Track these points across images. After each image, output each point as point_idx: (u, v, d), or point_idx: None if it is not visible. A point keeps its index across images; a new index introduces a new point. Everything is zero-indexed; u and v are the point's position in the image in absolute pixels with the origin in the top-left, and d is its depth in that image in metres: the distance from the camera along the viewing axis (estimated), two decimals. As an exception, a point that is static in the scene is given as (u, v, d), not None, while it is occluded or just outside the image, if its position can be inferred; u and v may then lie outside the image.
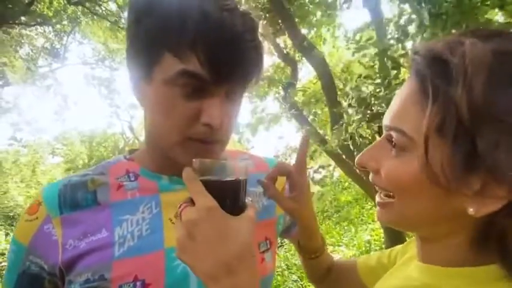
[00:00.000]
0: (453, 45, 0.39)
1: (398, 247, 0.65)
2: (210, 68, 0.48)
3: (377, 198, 0.49)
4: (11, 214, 8.71)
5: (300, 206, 0.64)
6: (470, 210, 0.38)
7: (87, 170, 0.64)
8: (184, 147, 0.54)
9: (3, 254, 7.55)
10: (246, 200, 0.48)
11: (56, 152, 13.35)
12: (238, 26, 0.49)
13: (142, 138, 18.87)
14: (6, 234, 8.08)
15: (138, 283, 0.52)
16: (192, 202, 0.44)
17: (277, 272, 6.60)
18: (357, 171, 4.43)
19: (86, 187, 0.59)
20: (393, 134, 0.44)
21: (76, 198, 0.57)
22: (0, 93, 11.14)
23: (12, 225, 8.53)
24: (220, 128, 0.52)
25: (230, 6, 0.50)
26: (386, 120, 0.46)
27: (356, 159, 0.50)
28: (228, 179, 0.45)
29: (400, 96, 0.45)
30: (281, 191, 0.67)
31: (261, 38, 0.55)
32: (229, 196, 0.45)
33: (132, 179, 0.61)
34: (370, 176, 0.49)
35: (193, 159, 0.46)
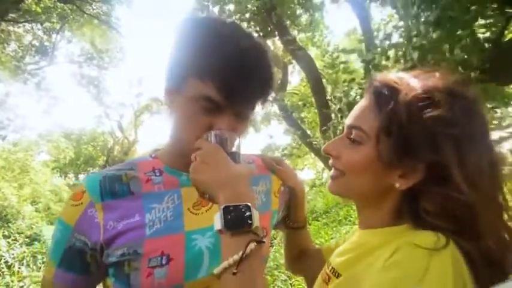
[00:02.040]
0: (399, 79, 0.60)
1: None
2: (223, 95, 0.62)
3: (331, 173, 0.69)
4: (4, 214, 8.53)
5: (293, 176, 0.88)
6: (397, 185, 0.57)
7: (117, 166, 0.76)
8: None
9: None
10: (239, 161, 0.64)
11: (43, 150, 13.17)
12: (252, 63, 0.63)
13: (131, 137, 18.62)
14: (4, 236, 7.94)
15: (164, 257, 0.65)
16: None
17: (266, 271, 6.65)
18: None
19: (121, 180, 0.71)
20: (353, 131, 0.62)
21: (114, 189, 0.70)
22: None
23: (9, 224, 8.35)
24: (228, 139, 0.65)
25: (247, 46, 0.63)
26: (349, 121, 0.65)
27: (323, 147, 0.69)
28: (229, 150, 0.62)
29: (360, 105, 0.64)
30: (278, 190, 0.86)
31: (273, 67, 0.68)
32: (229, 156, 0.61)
33: (158, 174, 0.73)
34: (330, 161, 0.68)
35: (206, 133, 0.63)
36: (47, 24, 10.38)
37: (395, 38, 3.16)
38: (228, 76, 0.61)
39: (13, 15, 8.20)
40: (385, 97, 0.58)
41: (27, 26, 10.64)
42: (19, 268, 7.48)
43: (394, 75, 0.62)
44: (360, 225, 0.69)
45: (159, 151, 0.80)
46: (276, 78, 0.71)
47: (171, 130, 0.73)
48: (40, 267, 7.72)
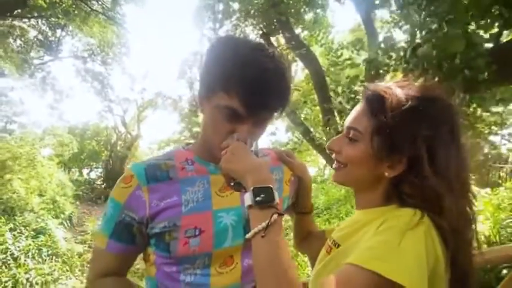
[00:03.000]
0: (387, 88, 0.74)
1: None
2: (245, 107, 0.75)
3: (334, 166, 0.85)
4: (13, 206, 8.63)
5: (301, 167, 1.05)
6: (386, 174, 0.73)
7: (157, 156, 0.93)
8: (221, 151, 0.79)
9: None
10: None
11: (47, 145, 13.23)
12: (272, 82, 0.75)
13: (134, 132, 18.62)
14: (11, 229, 8.02)
15: (196, 230, 0.81)
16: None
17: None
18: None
19: (161, 168, 0.86)
20: (351, 131, 0.78)
21: (156, 175, 0.84)
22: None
23: (15, 217, 8.43)
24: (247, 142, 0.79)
25: (269, 67, 0.74)
26: (347, 123, 0.80)
27: (327, 144, 0.85)
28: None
29: (356, 109, 0.80)
30: (289, 179, 1.01)
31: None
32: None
33: (190, 163, 0.89)
34: (334, 155, 0.84)
35: (230, 135, 0.77)
36: (51, 19, 10.42)
37: (399, 37, 3.19)
38: (250, 93, 0.73)
39: (19, 10, 8.26)
40: (376, 104, 0.73)
41: (33, 21, 10.71)
42: (25, 260, 7.61)
43: (383, 85, 0.77)
44: (357, 206, 0.85)
45: (190, 144, 0.98)
46: (292, 92, 0.84)
47: (202, 129, 0.89)
48: (45, 260, 7.84)
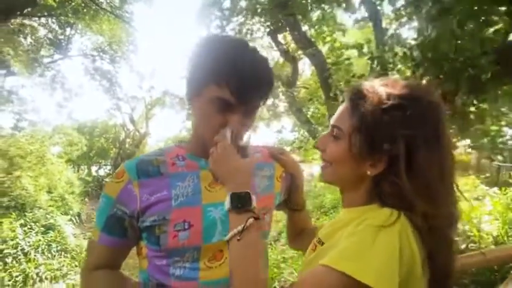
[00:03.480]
0: (370, 87, 0.74)
1: None
2: (235, 95, 0.78)
3: (320, 165, 0.85)
4: (23, 202, 8.77)
5: (293, 164, 1.06)
6: (368, 172, 0.73)
7: (149, 153, 0.95)
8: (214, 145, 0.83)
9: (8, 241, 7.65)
10: (249, 156, 0.83)
11: (57, 143, 13.41)
12: (258, 72, 0.80)
13: (142, 130, 18.77)
14: (21, 225, 8.15)
15: (185, 223, 0.83)
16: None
17: (273, 264, 6.75)
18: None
19: (153, 163, 0.88)
20: (334, 129, 0.78)
21: (148, 170, 0.87)
22: (2, 82, 11.21)
23: (25, 213, 8.57)
24: (239, 133, 0.82)
25: (254, 58, 0.81)
26: (332, 121, 0.81)
27: (314, 142, 0.87)
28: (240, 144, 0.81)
29: (340, 108, 0.80)
30: (280, 175, 1.03)
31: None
32: (238, 150, 0.80)
33: (181, 159, 0.91)
34: (320, 154, 0.84)
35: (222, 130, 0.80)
36: (61, 17, 10.53)
37: (406, 35, 3.16)
38: (239, 82, 0.77)
39: (29, 9, 8.36)
40: (358, 102, 0.73)
41: (43, 19, 10.84)
42: (35, 256, 7.74)
43: (367, 83, 0.77)
44: (343, 204, 0.85)
45: (183, 142, 1.00)
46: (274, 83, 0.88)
47: (193, 126, 0.93)
48: (54, 255, 7.97)
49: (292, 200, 1.09)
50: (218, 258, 0.84)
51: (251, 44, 0.85)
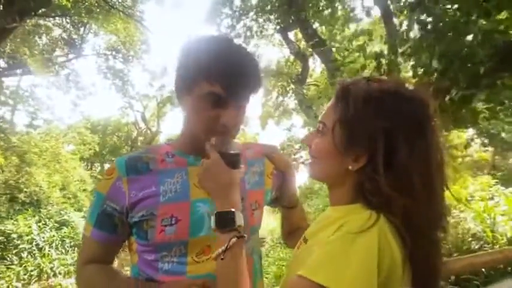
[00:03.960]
0: (354, 82, 0.74)
1: None
2: (226, 90, 0.80)
3: (308, 161, 0.84)
4: (37, 199, 8.99)
5: (283, 162, 1.06)
6: (349, 167, 0.71)
7: (140, 150, 0.97)
8: (208, 137, 0.85)
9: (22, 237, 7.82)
10: (241, 166, 0.83)
11: (71, 141, 13.66)
12: (247, 67, 0.82)
13: (154, 128, 18.93)
14: (36, 221, 8.35)
15: (173, 218, 0.84)
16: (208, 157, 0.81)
17: (282, 264, 6.75)
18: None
19: (142, 160, 0.90)
20: (320, 125, 0.78)
21: (137, 167, 0.88)
22: (18, 82, 11.47)
23: (40, 209, 8.79)
24: (234, 125, 0.85)
25: (243, 54, 0.83)
26: (320, 118, 0.81)
27: (301, 139, 0.89)
28: (231, 152, 0.81)
29: (328, 104, 0.80)
30: (271, 172, 1.04)
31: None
32: (229, 160, 0.80)
33: (170, 156, 0.92)
34: (308, 150, 0.83)
35: (212, 138, 0.82)
36: (75, 17, 10.71)
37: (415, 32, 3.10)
38: (230, 77, 0.79)
39: (44, 9, 8.53)
40: (341, 97, 0.74)
41: (58, 19, 11.05)
42: (49, 251, 7.92)
43: (353, 79, 0.77)
44: (330, 202, 0.84)
45: (172, 140, 1.03)
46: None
47: (184, 122, 0.93)
48: (68, 251, 8.15)
49: (284, 198, 1.09)
50: (206, 253, 0.85)
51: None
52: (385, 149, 0.66)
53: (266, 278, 7.05)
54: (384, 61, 3.08)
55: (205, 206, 0.86)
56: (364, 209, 0.69)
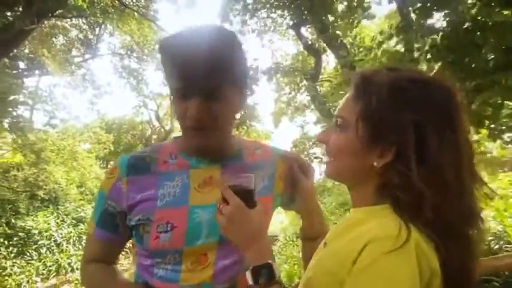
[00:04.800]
0: (375, 72, 0.69)
1: None
2: (183, 85, 0.78)
3: (325, 160, 0.77)
4: (55, 196, 9.24)
5: (307, 192, 0.95)
6: (374, 164, 0.65)
7: (145, 148, 0.94)
8: (186, 133, 0.83)
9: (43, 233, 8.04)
10: (256, 198, 0.76)
11: (87, 140, 13.95)
12: (200, 59, 0.74)
13: (167, 126, 19.14)
14: (57, 218, 8.58)
15: (168, 225, 0.80)
16: (226, 201, 0.73)
17: (295, 262, 6.72)
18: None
19: (144, 160, 0.87)
20: (338, 119, 0.72)
21: (138, 166, 0.86)
22: (37, 82, 11.77)
23: (58, 206, 9.04)
24: (199, 119, 0.78)
25: (194, 43, 0.76)
26: (336, 111, 0.74)
27: (316, 136, 0.80)
28: (246, 186, 0.74)
29: (345, 97, 0.73)
30: (282, 174, 0.94)
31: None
32: (246, 197, 0.73)
33: (173, 157, 0.89)
34: (325, 149, 0.76)
35: (223, 177, 0.83)
36: (90, 18, 10.89)
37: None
38: (180, 69, 0.76)
39: (61, 10, 8.70)
40: (362, 88, 0.68)
41: (74, 20, 11.26)
42: (67, 247, 8.12)
43: (372, 68, 0.72)
44: (352, 203, 0.77)
45: (178, 137, 0.95)
46: (230, 63, 0.80)
47: None
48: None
49: (304, 228, 0.97)
50: (202, 262, 0.81)
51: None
52: (415, 141, 0.61)
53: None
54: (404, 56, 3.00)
55: (204, 213, 0.82)
56: (390, 210, 0.63)
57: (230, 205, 0.72)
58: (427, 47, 2.79)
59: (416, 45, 2.99)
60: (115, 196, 0.84)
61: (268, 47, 8.57)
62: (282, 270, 6.78)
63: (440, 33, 2.77)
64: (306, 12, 5.45)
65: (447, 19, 2.68)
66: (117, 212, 0.85)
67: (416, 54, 3.06)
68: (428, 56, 2.89)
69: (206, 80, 0.77)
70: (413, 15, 3.82)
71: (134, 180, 0.84)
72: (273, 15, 6.12)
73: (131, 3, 10.50)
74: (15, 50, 8.35)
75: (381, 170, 0.65)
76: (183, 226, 0.80)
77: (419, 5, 2.99)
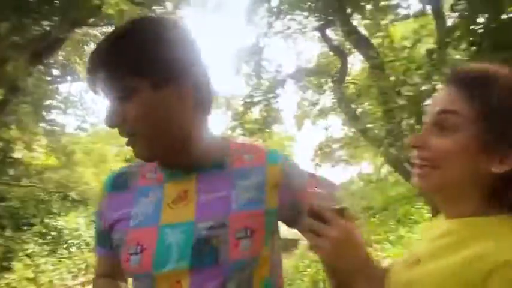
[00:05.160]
0: (487, 69, 0.61)
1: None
2: (89, 86, 0.71)
3: (417, 171, 0.64)
4: (86, 197, 9.62)
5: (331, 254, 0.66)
6: (494, 169, 0.57)
7: (136, 162, 0.85)
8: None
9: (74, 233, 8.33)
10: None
11: (115, 143, 14.38)
12: (101, 52, 0.68)
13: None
14: (84, 218, 8.91)
15: (138, 246, 0.72)
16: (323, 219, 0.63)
17: (319, 267, 6.59)
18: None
19: (126, 175, 0.82)
20: (447, 115, 0.61)
21: (118, 182, 0.82)
22: (69, 88, 12.28)
23: (87, 207, 9.41)
24: (116, 124, 0.71)
25: (107, 39, 0.69)
26: (437, 107, 0.63)
27: (412, 141, 0.66)
28: (338, 206, 0.65)
29: (447, 93, 0.63)
30: (277, 184, 0.77)
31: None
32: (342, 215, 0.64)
33: (153, 171, 0.81)
34: (416, 154, 0.64)
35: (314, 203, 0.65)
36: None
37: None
38: (88, 75, 0.70)
39: (93, 19, 9.07)
40: (478, 86, 0.60)
41: (104, 28, 11.70)
42: (95, 246, 8.40)
43: (479, 66, 0.64)
44: (448, 215, 0.67)
45: None
46: (138, 58, 0.67)
47: None
48: (112, 247, 8.59)
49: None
50: None
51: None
52: None
53: (302, 280, 6.91)
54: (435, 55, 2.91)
55: (174, 234, 0.71)
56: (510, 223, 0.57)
57: (337, 228, 0.61)
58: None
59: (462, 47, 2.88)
60: (100, 214, 0.83)
61: (293, 49, 8.55)
62: (305, 275, 6.66)
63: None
64: (332, 13, 5.40)
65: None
66: (105, 230, 0.80)
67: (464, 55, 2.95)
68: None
69: (116, 81, 0.67)
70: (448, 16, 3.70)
71: (113, 197, 0.80)
72: (298, 17, 6.11)
73: (158, 10, 10.79)
74: (50, 58, 8.76)
75: (498, 177, 0.58)
76: (152, 248, 0.71)
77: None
